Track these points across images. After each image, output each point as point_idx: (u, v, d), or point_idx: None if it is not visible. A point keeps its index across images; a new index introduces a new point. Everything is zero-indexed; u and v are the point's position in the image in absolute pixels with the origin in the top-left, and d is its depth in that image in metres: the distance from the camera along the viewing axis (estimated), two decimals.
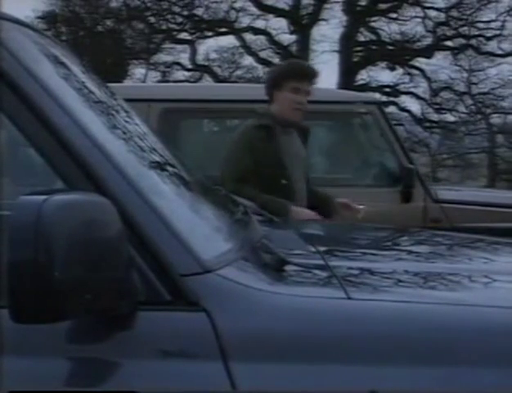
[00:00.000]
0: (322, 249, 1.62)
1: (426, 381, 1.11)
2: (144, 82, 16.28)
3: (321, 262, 1.44)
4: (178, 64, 17.14)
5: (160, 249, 1.14)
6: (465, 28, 17.23)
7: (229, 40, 16.87)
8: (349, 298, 1.21)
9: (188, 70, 17.06)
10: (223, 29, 16.29)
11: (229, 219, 1.53)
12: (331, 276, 1.35)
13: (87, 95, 1.39)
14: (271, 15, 16.10)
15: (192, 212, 1.39)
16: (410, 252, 2.00)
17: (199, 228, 1.31)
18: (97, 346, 1.13)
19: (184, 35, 16.55)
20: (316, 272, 1.38)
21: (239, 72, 17.83)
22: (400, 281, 1.45)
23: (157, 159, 1.46)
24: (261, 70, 17.57)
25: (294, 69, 3.16)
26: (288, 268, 1.31)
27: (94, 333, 1.13)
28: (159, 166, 1.43)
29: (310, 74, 3.16)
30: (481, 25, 17.27)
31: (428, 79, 17.68)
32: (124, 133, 1.39)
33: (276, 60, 16.59)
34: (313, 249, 1.59)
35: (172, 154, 1.66)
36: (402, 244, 2.23)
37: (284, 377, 1.10)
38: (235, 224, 1.52)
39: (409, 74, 17.57)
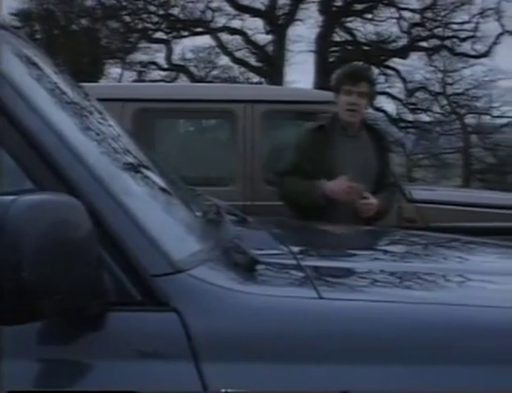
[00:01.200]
0: (295, 249, 1.63)
1: (398, 381, 1.12)
2: (120, 81, 16.19)
3: (293, 262, 1.45)
4: (154, 63, 17.05)
5: (131, 249, 1.14)
6: (440, 29, 17.37)
7: (205, 40, 16.81)
8: (321, 298, 1.22)
9: (164, 69, 16.98)
10: (199, 29, 16.24)
11: (201, 219, 1.53)
12: (303, 276, 1.36)
13: (59, 96, 1.38)
14: (247, 15, 16.09)
15: (164, 212, 1.38)
16: (384, 252, 2.02)
17: (170, 228, 1.31)
18: (68, 347, 1.12)
19: (160, 35, 16.47)
20: (288, 272, 1.39)
21: (215, 72, 17.80)
22: (373, 280, 1.46)
23: (130, 160, 1.46)
24: (237, 70, 17.56)
25: (345, 72, 3.36)
26: (260, 268, 1.32)
27: (64, 334, 1.12)
28: (132, 167, 1.43)
29: (360, 76, 3.28)
30: (455, 27, 17.42)
31: (404, 80, 17.79)
32: (97, 134, 1.38)
33: (252, 60, 16.61)
34: (286, 249, 1.59)
35: (145, 154, 1.65)
36: (376, 244, 2.25)
37: (255, 377, 1.11)
38: (207, 224, 1.52)
39: (384, 74, 17.66)
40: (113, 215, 1.15)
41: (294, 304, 1.20)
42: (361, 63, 3.74)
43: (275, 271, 1.37)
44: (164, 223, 1.31)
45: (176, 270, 1.16)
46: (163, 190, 1.46)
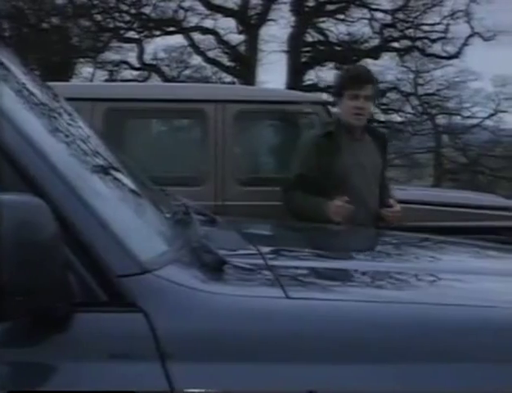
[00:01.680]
0: (264, 248, 1.63)
1: (365, 380, 1.13)
2: (91, 81, 16.06)
3: (261, 262, 1.46)
4: (126, 63, 16.94)
5: (97, 250, 1.13)
6: (411, 30, 17.52)
7: (177, 39, 16.72)
8: (287, 297, 1.23)
9: (136, 69, 16.88)
10: (171, 29, 16.17)
11: (169, 220, 1.53)
12: (270, 275, 1.37)
13: (26, 97, 1.37)
14: (219, 15, 16.06)
15: (131, 213, 1.38)
16: (354, 251, 2.03)
17: (137, 228, 1.30)
18: (34, 349, 1.11)
19: (132, 34, 16.35)
20: (256, 271, 1.40)
21: (187, 72, 17.74)
22: (341, 280, 1.47)
23: (98, 161, 1.45)
24: (209, 70, 17.53)
25: (349, 77, 3.27)
26: (227, 268, 1.32)
27: (30, 336, 1.12)
28: (100, 168, 1.42)
29: (365, 79, 3.23)
30: (426, 28, 17.58)
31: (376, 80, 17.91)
32: (65, 135, 1.38)
33: (224, 60, 16.58)
34: (254, 248, 1.60)
35: (114, 155, 1.64)
36: (347, 243, 2.26)
37: (222, 377, 1.11)
38: (175, 225, 1.52)
39: None
40: (79, 216, 1.14)
41: (260, 303, 1.20)
42: (361, 65, 3.65)
43: (242, 271, 1.38)
44: (131, 223, 1.31)
45: (142, 271, 1.16)
46: (131, 191, 1.45)
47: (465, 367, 1.16)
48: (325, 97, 17.18)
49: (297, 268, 1.49)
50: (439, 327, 1.21)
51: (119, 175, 1.48)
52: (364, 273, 1.48)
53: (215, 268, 1.30)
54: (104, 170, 1.43)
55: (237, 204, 4.02)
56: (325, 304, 1.23)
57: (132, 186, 1.49)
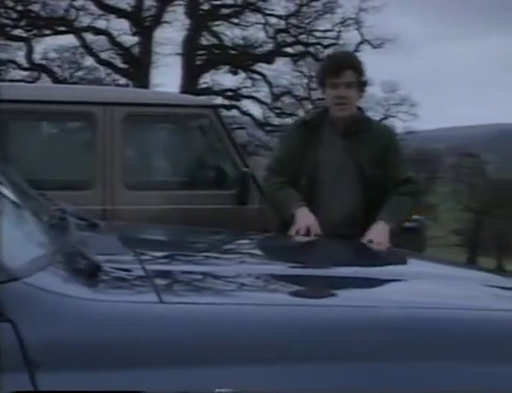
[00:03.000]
0: (143, 253, 1.62)
1: (240, 381, 1.14)
2: None
3: (138, 266, 1.44)
4: (14, 62, 16.33)
5: None
6: (304, 36, 17.90)
7: (69, 39, 16.28)
8: (161, 302, 1.22)
9: (25, 69, 16.31)
10: (62, 28, 15.74)
11: (44, 225, 1.49)
12: (146, 280, 1.36)
13: None
14: (112, 16, 15.79)
15: (0, 219, 1.33)
16: (236, 255, 2.05)
17: (6, 234, 1.26)
18: None
19: (19, 32, 15.79)
20: (132, 277, 1.38)
21: (80, 73, 17.35)
22: (218, 283, 1.48)
23: None
24: (103, 72, 17.21)
25: (327, 64, 3.02)
26: (102, 273, 1.30)
27: None
28: None
29: (343, 65, 2.91)
30: (318, 34, 18.03)
31: (270, 84, 18.15)
32: None
33: (118, 61, 16.32)
34: (133, 253, 1.58)
35: None
36: (230, 247, 2.28)
37: (94, 385, 1.09)
38: (49, 230, 1.48)
39: (251, 78, 17.94)
40: None
41: (133, 309, 1.19)
42: (344, 50, 3.15)
43: (118, 276, 1.36)
44: None
45: (10, 278, 1.12)
46: (1, 196, 1.40)
47: (338, 366, 1.19)
48: (219, 100, 17.31)
49: (174, 272, 1.49)
50: (327, 327, 1.23)
51: None
52: (239, 277, 1.49)
53: (89, 274, 1.28)
54: None
55: (126, 208, 3.97)
56: (200, 308, 1.24)
57: (3, 191, 1.44)
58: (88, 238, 1.54)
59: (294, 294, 1.49)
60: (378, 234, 2.69)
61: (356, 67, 2.93)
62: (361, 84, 2.95)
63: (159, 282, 1.36)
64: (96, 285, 1.28)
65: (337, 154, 2.89)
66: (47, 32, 15.80)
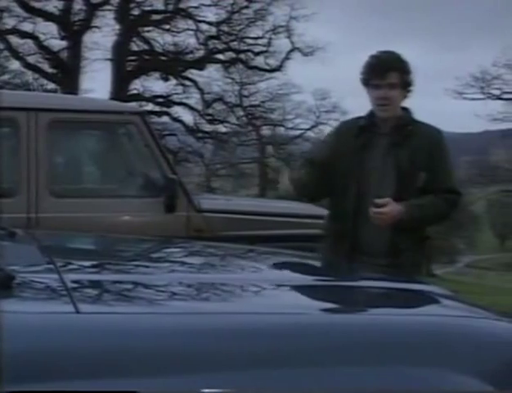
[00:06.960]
0: (62, 263, 1.59)
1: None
2: None
3: (55, 276, 1.41)
4: None
5: None
6: (235, 42, 17.98)
7: None
8: (78, 312, 1.20)
9: None
10: None
11: None
12: (63, 291, 1.33)
13: None
14: (39, 19, 15.47)
15: None
16: (161, 263, 2.03)
17: None
18: None
19: None
20: (48, 287, 1.35)
21: (6, 77, 16.92)
22: (138, 292, 1.46)
23: None
24: (30, 76, 16.86)
25: (369, 65, 2.98)
26: (17, 284, 1.27)
27: None
28: None
29: (387, 67, 2.90)
30: (249, 41, 18.15)
31: (201, 91, 18.16)
32: None
33: (45, 66, 16.01)
34: (51, 263, 1.55)
35: None
36: (156, 255, 2.26)
37: None
38: None
39: (182, 84, 17.90)
40: None
41: (48, 320, 1.17)
42: (388, 50, 2.93)
43: (33, 286, 1.33)
44: None
45: None
46: None
47: (268, 371, 1.19)
48: (150, 106, 17.19)
49: (94, 282, 1.46)
50: (263, 333, 1.23)
51: None
52: (162, 286, 1.48)
53: (3, 285, 1.25)
54: None
55: (51, 216, 3.90)
56: (115, 317, 1.22)
57: None
58: (4, 248, 1.50)
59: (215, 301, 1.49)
60: (391, 208, 2.81)
61: (400, 68, 2.93)
62: (406, 84, 2.96)
63: (76, 291, 1.33)
64: (11, 296, 1.24)
65: (378, 154, 2.92)
66: None
